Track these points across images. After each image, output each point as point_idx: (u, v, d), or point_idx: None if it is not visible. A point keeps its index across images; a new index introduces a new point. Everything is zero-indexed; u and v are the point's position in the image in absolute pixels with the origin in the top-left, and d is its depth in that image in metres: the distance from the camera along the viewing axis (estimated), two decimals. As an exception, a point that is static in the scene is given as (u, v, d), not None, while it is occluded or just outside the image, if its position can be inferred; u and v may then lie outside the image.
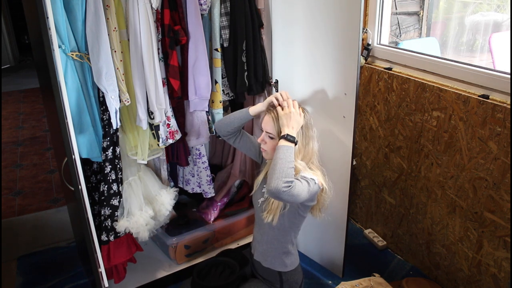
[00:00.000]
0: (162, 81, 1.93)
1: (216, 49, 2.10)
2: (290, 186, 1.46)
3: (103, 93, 1.76)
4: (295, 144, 1.57)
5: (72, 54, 1.64)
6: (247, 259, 1.88)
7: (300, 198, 1.52)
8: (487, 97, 1.86)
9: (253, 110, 1.76)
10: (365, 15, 2.39)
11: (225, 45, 2.10)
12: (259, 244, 1.78)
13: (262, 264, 1.77)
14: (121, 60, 1.79)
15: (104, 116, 1.83)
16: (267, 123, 1.66)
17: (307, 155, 1.66)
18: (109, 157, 1.88)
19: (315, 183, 1.59)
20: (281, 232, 1.72)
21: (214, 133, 2.30)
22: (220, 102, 2.18)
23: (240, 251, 1.98)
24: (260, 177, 1.78)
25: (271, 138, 1.66)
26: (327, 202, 1.73)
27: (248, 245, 1.98)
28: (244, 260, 1.88)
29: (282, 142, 1.54)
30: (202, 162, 2.29)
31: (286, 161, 1.49)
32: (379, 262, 2.47)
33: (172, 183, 2.34)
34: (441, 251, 2.21)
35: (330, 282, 2.30)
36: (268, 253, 1.75)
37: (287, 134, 1.55)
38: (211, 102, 2.16)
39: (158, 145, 2.01)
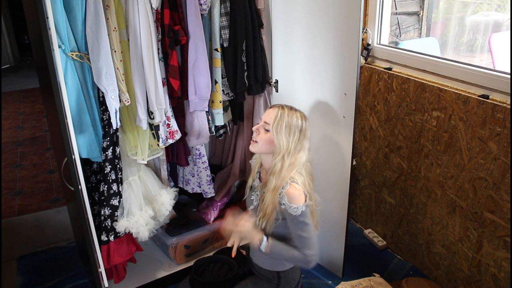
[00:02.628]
0: (162, 81, 1.93)
1: (216, 49, 2.09)
2: (310, 255, 1.54)
3: (103, 93, 1.76)
4: (267, 241, 1.60)
5: (72, 54, 1.65)
6: (245, 257, 1.87)
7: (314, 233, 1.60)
8: (487, 97, 1.86)
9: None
10: (365, 15, 2.39)
11: (225, 45, 2.10)
12: (255, 251, 1.74)
13: (260, 266, 1.76)
14: (121, 60, 1.79)
15: (104, 116, 1.83)
16: (269, 114, 1.59)
17: (294, 163, 1.58)
18: (109, 157, 1.88)
19: (303, 211, 1.54)
20: (278, 238, 1.64)
21: (214, 133, 2.31)
22: (220, 102, 2.18)
23: (238, 249, 1.96)
24: (249, 182, 1.77)
25: (267, 130, 1.59)
26: (318, 213, 1.67)
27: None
28: (242, 258, 1.87)
29: (266, 249, 1.59)
30: (202, 162, 2.29)
31: (286, 254, 1.57)
32: (379, 262, 2.47)
33: (172, 183, 2.35)
34: (441, 251, 2.21)
35: (330, 282, 2.30)
36: (265, 258, 1.72)
37: (259, 246, 1.60)
38: (211, 102, 2.16)
39: (158, 145, 2.01)
